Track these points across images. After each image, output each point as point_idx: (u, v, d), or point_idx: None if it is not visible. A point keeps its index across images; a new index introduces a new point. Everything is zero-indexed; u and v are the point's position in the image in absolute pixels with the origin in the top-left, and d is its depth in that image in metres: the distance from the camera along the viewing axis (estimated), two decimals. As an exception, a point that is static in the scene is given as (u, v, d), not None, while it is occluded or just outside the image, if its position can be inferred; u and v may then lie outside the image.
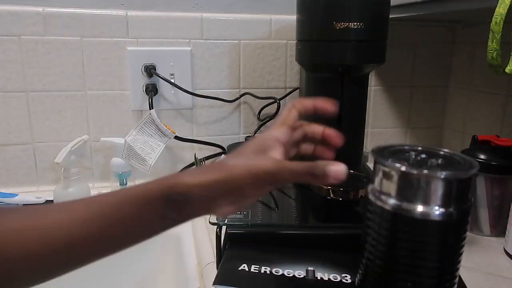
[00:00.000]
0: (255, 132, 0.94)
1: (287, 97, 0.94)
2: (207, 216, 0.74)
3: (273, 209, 0.62)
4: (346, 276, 0.50)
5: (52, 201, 0.78)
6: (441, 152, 0.42)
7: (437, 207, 0.37)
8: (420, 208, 0.37)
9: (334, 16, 0.60)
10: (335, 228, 0.57)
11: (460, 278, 0.54)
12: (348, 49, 0.61)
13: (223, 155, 0.93)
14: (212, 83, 0.91)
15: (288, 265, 0.52)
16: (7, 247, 0.33)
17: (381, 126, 1.03)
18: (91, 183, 0.89)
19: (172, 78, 0.87)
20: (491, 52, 0.54)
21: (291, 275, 0.50)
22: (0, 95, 0.82)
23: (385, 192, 0.39)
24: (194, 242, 0.71)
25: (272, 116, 0.93)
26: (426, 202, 0.37)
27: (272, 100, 0.93)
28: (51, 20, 0.81)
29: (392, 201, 0.38)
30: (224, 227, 0.58)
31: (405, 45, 0.99)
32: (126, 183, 0.78)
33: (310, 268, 0.51)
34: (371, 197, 0.41)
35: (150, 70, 0.85)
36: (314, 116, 0.69)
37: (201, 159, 0.85)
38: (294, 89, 0.94)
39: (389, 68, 1.00)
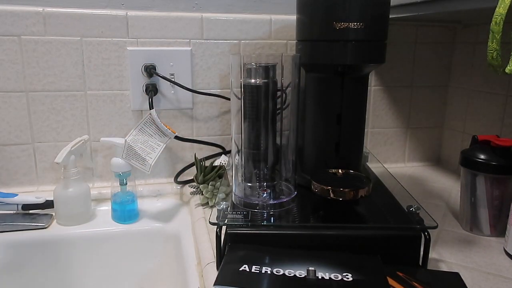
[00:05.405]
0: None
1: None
2: (207, 216, 0.75)
3: (273, 209, 0.62)
4: (347, 275, 0.50)
5: (52, 201, 0.78)
6: None
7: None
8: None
9: (334, 16, 0.60)
10: (335, 228, 0.58)
11: (460, 278, 0.54)
12: (348, 49, 0.61)
13: (222, 155, 0.93)
14: (212, 83, 0.91)
15: (288, 265, 0.52)
16: None
17: (381, 126, 1.03)
18: (91, 183, 0.89)
19: (172, 78, 0.87)
20: (491, 52, 0.54)
21: (292, 275, 0.50)
22: (0, 95, 0.82)
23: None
24: (194, 242, 0.71)
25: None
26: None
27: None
28: (51, 20, 0.81)
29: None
30: (224, 227, 0.58)
31: (405, 45, 0.99)
32: (126, 183, 0.78)
33: (311, 268, 0.51)
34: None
35: (150, 70, 0.85)
36: (315, 116, 0.69)
37: (201, 159, 0.85)
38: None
39: (389, 68, 1.00)
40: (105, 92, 0.86)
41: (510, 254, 0.64)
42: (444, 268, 0.61)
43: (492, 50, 0.54)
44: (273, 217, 0.60)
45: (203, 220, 0.74)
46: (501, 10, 0.52)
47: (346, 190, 0.58)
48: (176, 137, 0.85)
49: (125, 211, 0.79)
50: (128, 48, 0.85)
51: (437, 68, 1.02)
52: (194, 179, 0.82)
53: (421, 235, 0.56)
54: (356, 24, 0.60)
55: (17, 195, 0.79)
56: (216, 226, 0.57)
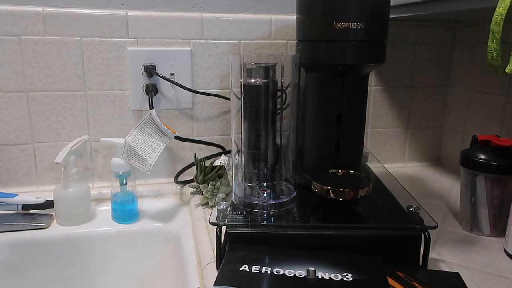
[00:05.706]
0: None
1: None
2: (207, 216, 0.75)
3: (273, 209, 0.62)
4: (347, 275, 0.50)
5: (52, 201, 0.78)
6: None
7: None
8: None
9: (334, 16, 0.60)
10: (335, 228, 0.58)
11: (460, 278, 0.54)
12: (348, 49, 0.61)
13: (222, 155, 0.93)
14: (212, 83, 0.91)
15: (288, 265, 0.52)
16: None
17: (381, 126, 1.03)
18: (91, 183, 0.89)
19: (172, 78, 0.87)
20: (491, 52, 0.54)
21: (292, 274, 0.50)
22: (0, 95, 0.82)
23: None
24: (194, 242, 0.71)
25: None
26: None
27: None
28: (51, 20, 0.81)
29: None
30: (224, 227, 0.58)
31: (405, 45, 0.99)
32: (126, 183, 0.78)
33: (311, 268, 0.51)
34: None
35: (150, 70, 0.85)
36: (315, 116, 0.69)
37: (201, 159, 0.85)
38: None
39: (389, 68, 1.00)
40: (105, 92, 0.86)
41: (510, 254, 0.64)
42: (444, 268, 0.61)
43: (492, 50, 0.54)
44: (273, 217, 0.60)
45: (203, 220, 0.74)
46: (501, 10, 0.52)
47: (346, 190, 0.58)
48: (176, 137, 0.85)
49: (125, 211, 0.79)
50: (128, 48, 0.85)
51: (437, 68, 1.02)
52: (194, 179, 0.82)
53: (421, 235, 0.56)
54: (356, 24, 0.60)
55: (17, 195, 0.79)
56: (216, 226, 0.57)
